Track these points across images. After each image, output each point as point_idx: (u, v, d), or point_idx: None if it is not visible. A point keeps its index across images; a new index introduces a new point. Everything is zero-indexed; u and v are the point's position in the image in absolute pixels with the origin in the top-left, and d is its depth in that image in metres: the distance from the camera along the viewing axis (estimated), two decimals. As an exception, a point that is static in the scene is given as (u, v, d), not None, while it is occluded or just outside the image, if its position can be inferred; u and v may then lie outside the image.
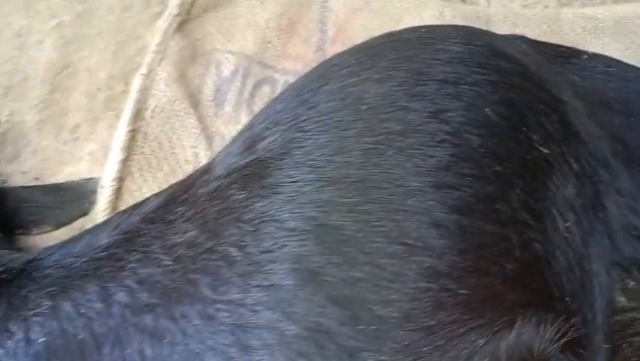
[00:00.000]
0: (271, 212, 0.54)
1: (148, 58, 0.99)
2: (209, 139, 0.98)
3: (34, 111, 1.00)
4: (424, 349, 0.48)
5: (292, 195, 0.54)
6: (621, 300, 0.58)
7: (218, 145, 0.98)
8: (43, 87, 1.02)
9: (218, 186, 0.61)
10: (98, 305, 0.59)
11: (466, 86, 0.57)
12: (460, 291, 0.49)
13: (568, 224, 0.55)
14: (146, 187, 0.91)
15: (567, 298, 0.53)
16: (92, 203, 0.91)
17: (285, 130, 0.58)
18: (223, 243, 0.56)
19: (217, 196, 0.60)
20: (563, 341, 0.51)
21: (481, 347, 0.49)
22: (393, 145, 0.53)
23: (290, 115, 0.59)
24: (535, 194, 0.54)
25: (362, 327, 0.49)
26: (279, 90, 1.02)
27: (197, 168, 0.74)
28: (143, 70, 0.98)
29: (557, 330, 0.51)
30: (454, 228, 0.51)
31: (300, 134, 0.57)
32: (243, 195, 0.57)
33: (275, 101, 0.65)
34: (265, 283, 0.52)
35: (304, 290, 0.50)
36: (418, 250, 0.50)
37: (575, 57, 0.78)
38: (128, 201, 0.89)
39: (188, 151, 0.97)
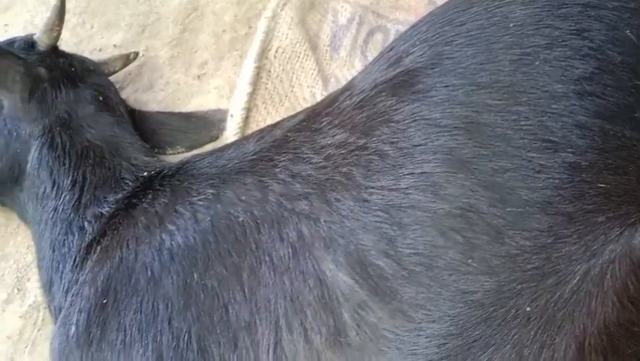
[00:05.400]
0: (422, 112, 0.60)
1: (272, 3, 1.07)
2: (325, 81, 1.05)
3: (166, 48, 1.10)
4: (565, 231, 0.54)
5: (443, 97, 0.60)
6: None
7: (333, 87, 1.06)
8: (175, 27, 1.12)
9: (364, 97, 0.67)
10: (257, 193, 0.68)
11: (606, 11, 0.61)
12: (599, 185, 0.54)
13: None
14: (270, 119, 0.98)
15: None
16: (220, 130, 1.00)
17: (432, 45, 0.65)
18: (374, 140, 0.62)
19: (364, 105, 0.67)
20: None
21: (617, 235, 0.54)
22: (540, 57, 0.59)
23: (436, 33, 0.65)
24: (671, 109, 0.59)
25: (510, 209, 0.54)
26: (391, 38, 1.08)
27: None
28: (268, 13, 1.06)
29: (688, 229, 0.55)
30: (596, 130, 0.56)
31: (449, 47, 0.63)
32: (392, 101, 0.63)
33: (415, 26, 0.71)
34: (417, 170, 0.58)
35: (456, 176, 0.56)
36: (562, 147, 0.55)
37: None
38: (254, 129, 0.97)
39: (306, 90, 1.04)
